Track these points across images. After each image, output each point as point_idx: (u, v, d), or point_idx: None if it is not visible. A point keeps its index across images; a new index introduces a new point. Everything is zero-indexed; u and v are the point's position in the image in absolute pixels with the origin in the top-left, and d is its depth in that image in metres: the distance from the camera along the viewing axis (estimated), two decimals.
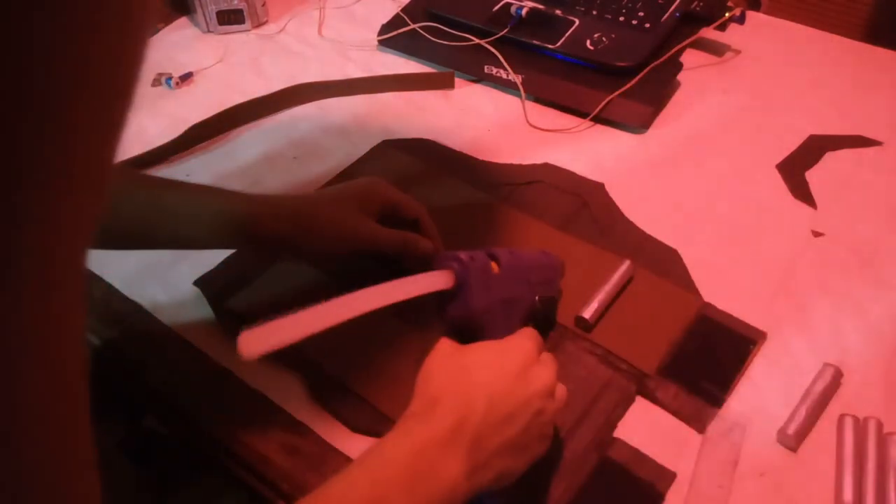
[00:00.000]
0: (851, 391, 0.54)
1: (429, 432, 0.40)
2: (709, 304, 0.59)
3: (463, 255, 0.45)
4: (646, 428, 0.52)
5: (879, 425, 0.51)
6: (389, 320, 0.58)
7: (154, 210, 0.54)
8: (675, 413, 0.53)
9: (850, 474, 0.49)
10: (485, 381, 0.42)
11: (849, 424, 0.52)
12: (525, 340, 0.45)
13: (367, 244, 0.56)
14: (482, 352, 0.44)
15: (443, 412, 0.41)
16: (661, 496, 0.48)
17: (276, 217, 0.56)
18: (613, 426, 0.52)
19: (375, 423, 0.52)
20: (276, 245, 0.59)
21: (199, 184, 0.58)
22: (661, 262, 0.63)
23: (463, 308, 0.45)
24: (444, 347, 0.45)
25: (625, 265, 0.60)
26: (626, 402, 0.54)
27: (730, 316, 0.58)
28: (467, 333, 0.45)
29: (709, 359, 0.56)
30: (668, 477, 0.49)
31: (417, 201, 0.60)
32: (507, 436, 0.41)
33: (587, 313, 0.57)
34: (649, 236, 0.66)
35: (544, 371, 0.44)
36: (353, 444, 0.52)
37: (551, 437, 0.45)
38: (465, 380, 0.42)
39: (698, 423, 0.52)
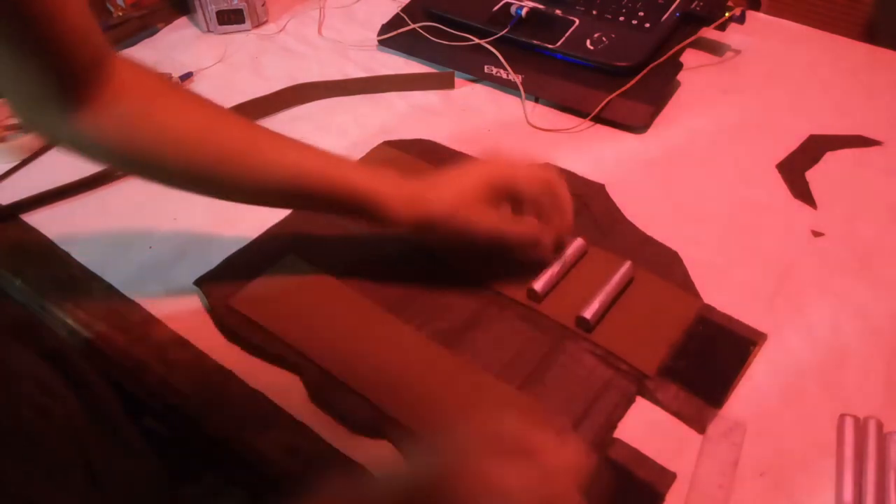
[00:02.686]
0: (851, 391, 0.54)
1: None
2: (709, 306, 0.59)
3: None
4: (646, 428, 0.52)
5: (879, 425, 0.51)
6: (390, 320, 0.58)
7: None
8: (676, 413, 0.53)
9: (850, 474, 0.49)
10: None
11: (849, 424, 0.52)
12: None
13: (491, 237, 0.55)
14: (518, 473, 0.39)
15: None
16: (661, 496, 0.48)
17: (401, 205, 0.55)
18: (613, 426, 0.52)
19: (375, 423, 0.52)
20: (397, 231, 0.56)
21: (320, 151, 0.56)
22: (662, 264, 0.63)
23: None
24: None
25: (625, 266, 0.60)
26: (627, 403, 0.53)
27: (730, 317, 0.58)
28: None
29: (709, 360, 0.56)
30: (668, 477, 0.49)
31: (543, 175, 0.57)
32: None
33: (588, 314, 0.57)
34: (649, 237, 0.66)
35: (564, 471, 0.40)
36: (353, 444, 0.52)
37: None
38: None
39: (698, 424, 0.52)
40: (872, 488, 0.48)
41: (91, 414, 0.47)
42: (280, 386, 0.56)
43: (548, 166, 0.57)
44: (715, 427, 0.52)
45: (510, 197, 0.57)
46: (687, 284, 0.61)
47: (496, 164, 0.57)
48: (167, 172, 0.55)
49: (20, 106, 0.52)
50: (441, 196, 0.55)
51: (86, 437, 0.45)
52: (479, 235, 0.55)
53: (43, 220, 0.70)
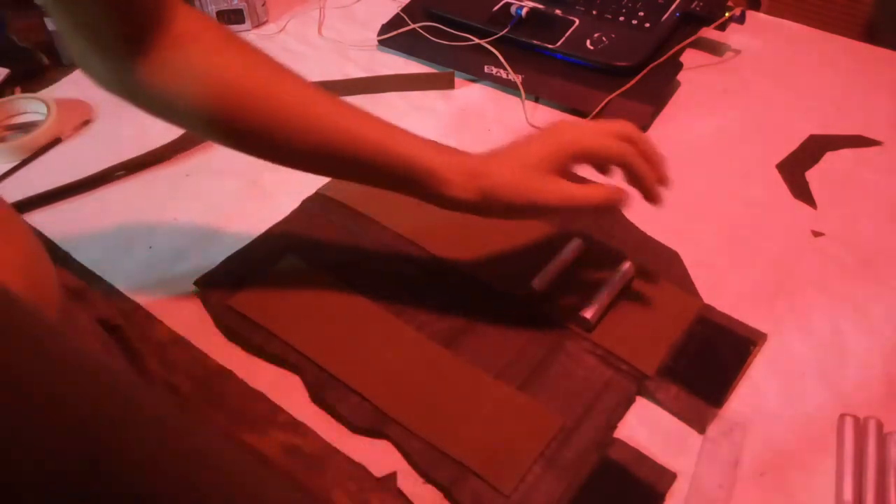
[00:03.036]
0: (851, 391, 0.54)
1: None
2: (709, 306, 0.59)
3: None
4: (646, 428, 0.52)
5: (879, 425, 0.51)
6: (389, 320, 0.58)
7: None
8: (676, 413, 0.53)
9: (850, 474, 0.49)
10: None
11: (849, 424, 0.52)
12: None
13: (562, 207, 0.52)
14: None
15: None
16: (661, 496, 0.48)
17: (462, 182, 0.52)
18: (613, 426, 0.52)
19: (375, 423, 0.52)
20: (464, 209, 0.54)
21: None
22: (662, 264, 0.63)
23: None
24: None
25: (625, 266, 0.60)
26: (627, 403, 0.53)
27: (730, 317, 0.58)
28: None
29: (709, 360, 0.56)
30: (669, 477, 0.49)
31: (621, 144, 0.53)
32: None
33: (588, 313, 0.57)
34: (650, 237, 0.66)
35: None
36: (353, 444, 0.52)
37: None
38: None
39: (698, 424, 0.52)
40: (872, 488, 0.48)
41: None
42: (280, 386, 0.56)
43: (623, 123, 0.54)
44: (715, 427, 0.52)
45: (588, 162, 0.53)
46: (687, 284, 0.61)
47: (560, 131, 0.53)
48: (222, 128, 0.53)
49: (80, 50, 0.51)
50: (503, 168, 0.52)
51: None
52: (549, 205, 0.52)
53: (43, 220, 0.70)
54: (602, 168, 0.54)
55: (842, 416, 0.52)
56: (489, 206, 0.52)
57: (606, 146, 0.52)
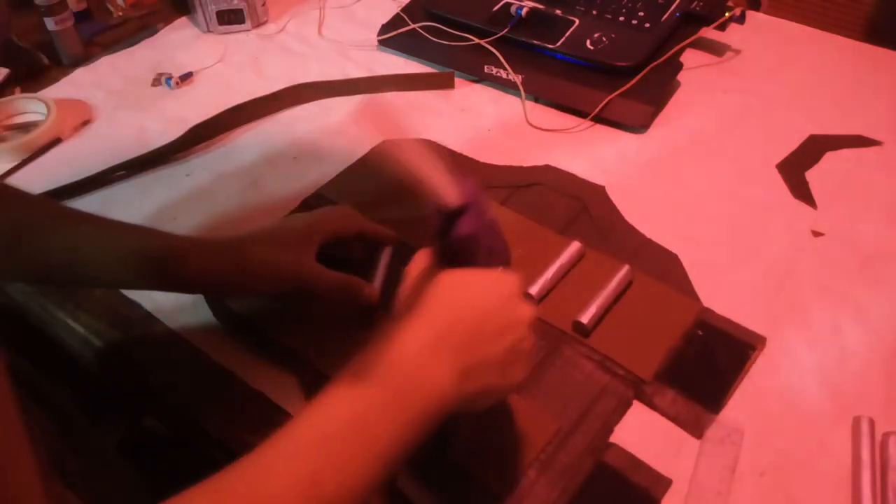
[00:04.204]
0: (851, 392, 0.54)
1: (419, 335, 0.40)
2: (708, 310, 0.59)
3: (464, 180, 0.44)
4: (642, 433, 0.52)
5: (879, 425, 0.51)
6: (386, 320, 0.58)
7: (70, 249, 0.51)
8: (673, 419, 0.53)
9: (850, 474, 0.49)
10: (478, 295, 0.43)
11: (849, 425, 0.51)
12: (513, 275, 0.45)
13: (307, 285, 0.55)
14: (475, 272, 0.44)
15: (433, 315, 0.41)
16: (656, 502, 0.48)
17: (208, 254, 0.53)
18: (610, 431, 0.52)
19: None
20: (204, 286, 0.56)
21: (118, 221, 0.54)
22: (661, 267, 0.63)
23: (474, 222, 0.43)
24: (425, 259, 0.45)
25: (623, 270, 0.60)
26: (623, 408, 0.53)
27: (729, 321, 0.58)
28: (461, 257, 0.44)
29: (707, 364, 0.55)
30: (664, 483, 0.49)
31: (382, 228, 0.61)
32: (495, 350, 0.42)
33: (585, 318, 0.57)
34: (649, 240, 0.66)
35: (528, 306, 0.44)
36: None
37: (525, 370, 0.44)
38: (458, 292, 0.42)
39: (696, 429, 0.52)
40: (870, 488, 0.48)
41: (62, 431, 0.47)
42: (280, 386, 0.56)
43: (343, 207, 0.62)
44: (713, 432, 0.52)
45: (334, 240, 0.58)
46: (686, 288, 0.61)
47: (330, 215, 0.59)
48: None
49: None
50: (256, 246, 0.54)
51: (59, 451, 0.45)
52: (300, 279, 0.55)
53: None
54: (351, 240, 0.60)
55: (856, 419, 0.52)
56: (244, 281, 0.54)
57: (346, 227, 0.59)
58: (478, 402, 0.43)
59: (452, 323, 0.41)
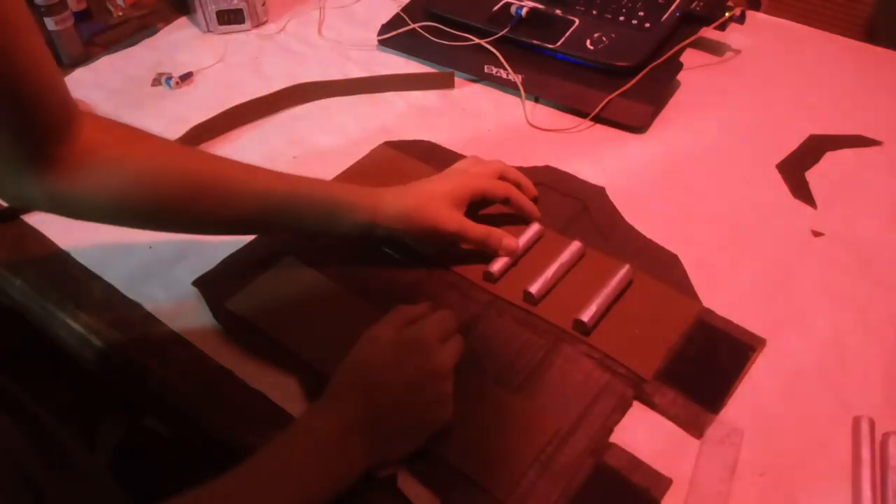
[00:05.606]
0: (851, 391, 0.54)
1: (338, 421, 0.48)
2: (708, 310, 0.59)
3: None
4: (642, 433, 0.52)
5: (879, 425, 0.51)
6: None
7: (253, 200, 0.58)
8: (673, 418, 0.53)
9: (850, 475, 0.49)
10: (384, 380, 0.49)
11: (849, 425, 0.51)
12: (424, 330, 0.52)
13: (457, 238, 0.62)
14: (384, 346, 0.51)
15: (352, 405, 0.48)
16: (657, 502, 0.48)
17: (384, 206, 0.60)
18: (610, 431, 0.52)
19: None
20: (390, 239, 0.62)
21: (272, 171, 0.59)
22: (661, 267, 0.63)
23: None
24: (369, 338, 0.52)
25: (624, 269, 0.60)
26: (623, 407, 0.53)
27: (729, 322, 0.58)
28: None
29: (707, 364, 0.55)
30: (664, 483, 0.49)
31: (504, 183, 0.66)
32: (403, 422, 0.49)
33: (585, 317, 0.57)
34: (649, 241, 0.66)
35: (444, 354, 0.51)
36: None
37: (449, 408, 0.51)
38: (366, 377, 0.50)
39: (696, 429, 0.52)
40: (869, 489, 0.48)
41: (37, 445, 0.47)
42: (280, 386, 0.56)
43: (498, 163, 0.68)
44: (713, 432, 0.52)
45: (478, 199, 0.64)
46: (686, 287, 0.61)
47: (457, 175, 0.65)
48: (145, 215, 0.57)
49: None
50: (408, 198, 0.61)
51: (31, 467, 0.45)
52: (447, 230, 0.60)
53: (43, 221, 0.70)
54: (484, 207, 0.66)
55: (856, 419, 0.52)
56: (418, 235, 0.61)
57: (492, 187, 0.64)
58: (395, 459, 0.49)
59: (366, 412, 0.48)
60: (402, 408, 0.49)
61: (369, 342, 0.51)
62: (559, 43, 0.83)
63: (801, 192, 0.71)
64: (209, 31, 0.96)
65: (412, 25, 0.89)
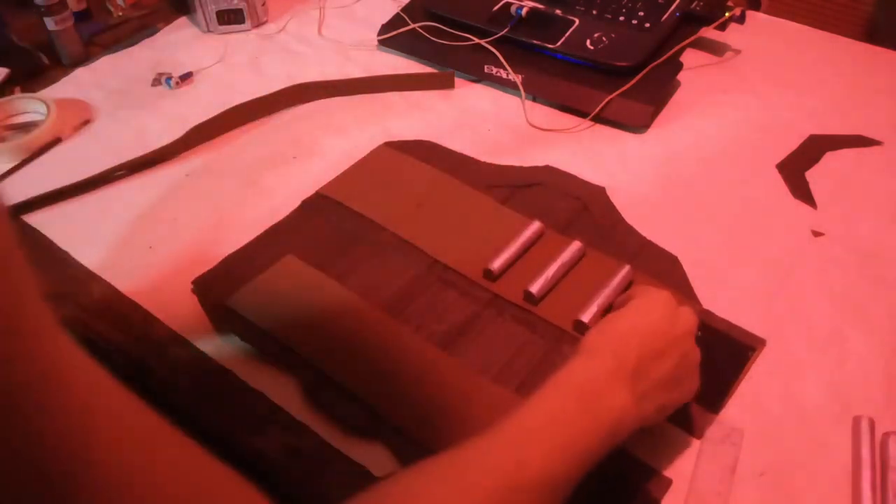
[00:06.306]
0: (851, 392, 0.54)
1: (591, 373, 0.44)
2: (708, 311, 0.59)
3: None
4: (642, 434, 0.52)
5: (879, 425, 0.51)
6: (387, 322, 0.58)
7: None
8: (672, 419, 0.52)
9: (850, 475, 0.49)
10: (633, 325, 0.47)
11: (849, 425, 0.51)
12: (663, 291, 0.49)
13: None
14: (628, 308, 0.48)
15: (601, 358, 0.45)
16: (657, 502, 0.48)
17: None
18: None
19: (371, 425, 0.52)
20: None
21: None
22: (661, 268, 0.63)
23: None
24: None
25: (624, 270, 0.60)
26: None
27: (729, 322, 0.58)
28: None
29: (707, 365, 0.55)
30: (664, 483, 0.49)
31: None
32: (663, 370, 0.45)
33: (586, 317, 0.57)
34: (649, 241, 0.66)
35: (686, 314, 0.48)
36: (353, 444, 0.52)
37: (698, 380, 0.49)
38: (615, 328, 0.47)
39: (696, 430, 0.52)
40: (869, 489, 0.48)
41: None
42: (280, 386, 0.56)
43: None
44: (713, 432, 0.52)
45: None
46: (686, 289, 0.61)
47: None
48: None
49: None
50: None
51: None
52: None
53: (43, 221, 0.70)
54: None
55: (856, 419, 0.52)
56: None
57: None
58: (653, 420, 0.46)
59: (619, 360, 0.44)
60: (659, 354, 0.46)
61: (642, 311, 0.47)
62: (559, 43, 0.83)
63: (801, 192, 0.71)
64: (209, 31, 0.96)
65: (412, 25, 0.89)
